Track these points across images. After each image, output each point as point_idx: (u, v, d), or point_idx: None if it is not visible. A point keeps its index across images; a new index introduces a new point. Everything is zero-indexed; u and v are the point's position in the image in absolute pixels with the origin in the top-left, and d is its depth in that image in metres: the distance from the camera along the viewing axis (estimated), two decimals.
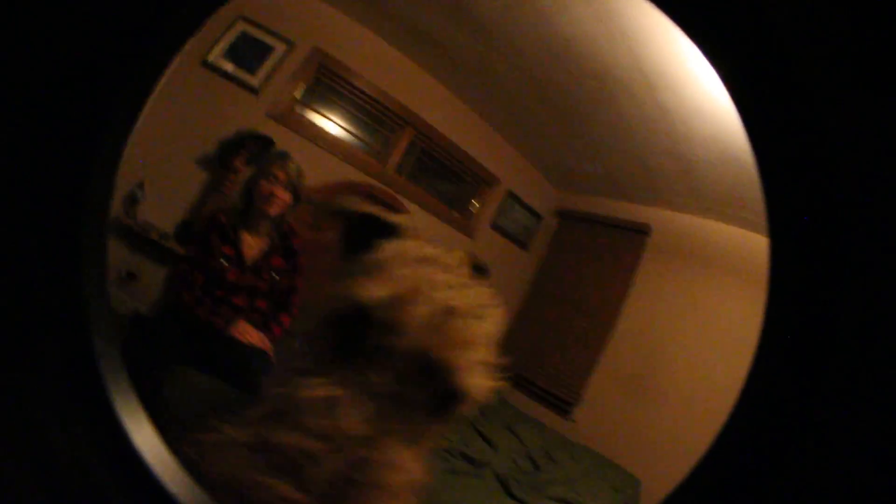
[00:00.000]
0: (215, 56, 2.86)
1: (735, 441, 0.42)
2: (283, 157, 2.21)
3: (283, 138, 3.02)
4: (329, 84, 3.27)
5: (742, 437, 0.41)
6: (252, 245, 2.13)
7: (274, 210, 2.10)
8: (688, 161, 3.19)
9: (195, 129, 2.90)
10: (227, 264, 2.06)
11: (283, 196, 2.10)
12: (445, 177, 3.91)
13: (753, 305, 2.95)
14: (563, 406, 3.89)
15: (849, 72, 0.35)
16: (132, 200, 2.81)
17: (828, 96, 0.36)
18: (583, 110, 3.30)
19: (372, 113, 3.46)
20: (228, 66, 2.90)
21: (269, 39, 2.97)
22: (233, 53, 2.90)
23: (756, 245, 3.34)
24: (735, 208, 3.36)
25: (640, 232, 3.84)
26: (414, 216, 3.60)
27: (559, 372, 4.00)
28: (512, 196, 4.13)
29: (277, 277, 2.16)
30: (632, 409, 3.55)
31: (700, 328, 3.37)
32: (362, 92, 3.35)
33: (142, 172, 2.80)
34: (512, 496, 2.27)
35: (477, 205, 4.05)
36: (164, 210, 2.91)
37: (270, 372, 2.05)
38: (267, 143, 2.90)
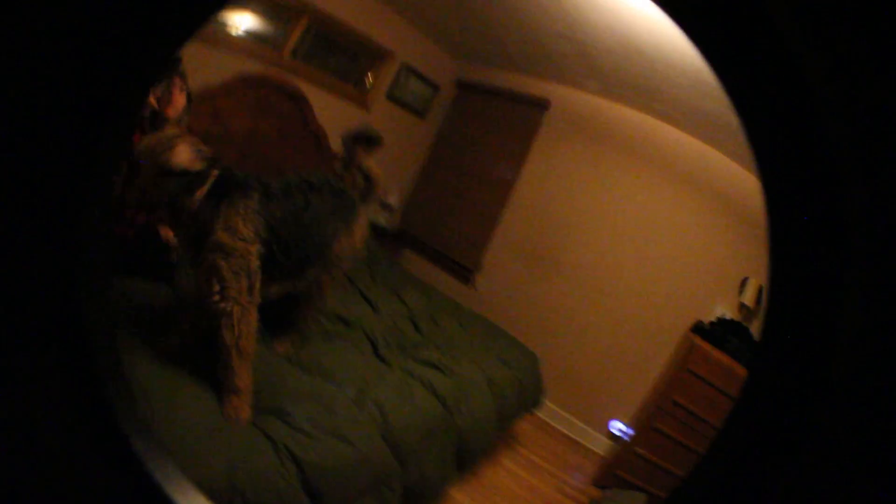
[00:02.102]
0: None
1: (737, 437, 0.42)
2: (179, 69, 2.33)
3: (189, 52, 3.02)
4: None
5: (743, 435, 0.41)
6: None
7: (172, 112, 2.23)
8: (584, 45, 3.14)
9: None
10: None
11: (179, 98, 2.23)
12: (340, 55, 3.91)
13: (657, 190, 3.13)
14: (464, 273, 4.02)
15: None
16: None
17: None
18: None
19: (268, 9, 3.46)
20: None
21: None
22: None
23: (662, 134, 3.39)
24: (642, 97, 3.33)
25: (539, 106, 3.85)
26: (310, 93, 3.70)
27: (459, 238, 4.12)
28: (407, 68, 4.15)
29: None
30: (531, 281, 3.67)
31: (598, 205, 3.44)
32: None
33: None
34: (378, 356, 2.35)
35: (371, 78, 4.07)
36: None
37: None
38: (174, 59, 2.95)
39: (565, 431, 3.43)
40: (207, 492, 1.37)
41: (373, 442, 1.85)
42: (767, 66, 0.37)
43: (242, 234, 1.69)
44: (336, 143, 3.92)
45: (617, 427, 3.35)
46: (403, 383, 2.17)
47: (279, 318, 2.22)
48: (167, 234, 2.34)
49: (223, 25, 3.29)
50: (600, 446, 3.41)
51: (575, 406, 3.39)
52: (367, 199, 2.30)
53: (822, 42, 0.34)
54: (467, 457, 2.31)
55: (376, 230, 4.10)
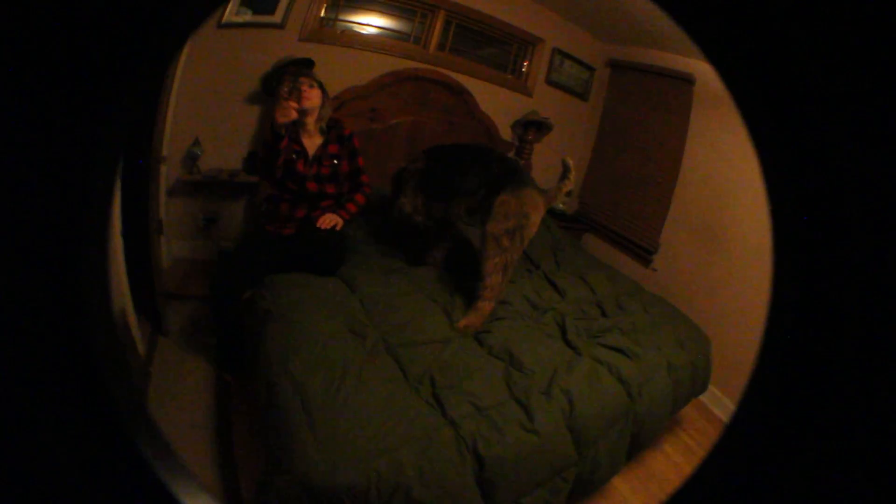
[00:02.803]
0: (229, 15, 2.86)
1: (741, 441, 0.41)
2: (300, 72, 2.50)
3: (321, 54, 3.11)
4: None
5: (747, 437, 0.41)
6: (309, 144, 2.49)
7: (306, 102, 2.39)
8: None
9: (237, 77, 3.03)
10: (295, 157, 2.42)
11: (310, 90, 2.41)
12: (489, 45, 3.94)
13: None
14: (643, 254, 3.97)
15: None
16: (192, 158, 3.02)
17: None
18: None
19: (400, 6, 3.49)
20: (247, 17, 2.93)
21: None
22: (246, 4, 2.93)
23: None
24: None
25: (686, 81, 3.69)
26: (468, 84, 3.77)
27: (636, 219, 4.08)
28: (560, 52, 4.12)
29: (336, 162, 2.52)
30: (705, 259, 3.56)
31: (753, 176, 3.16)
32: None
33: (196, 129, 3.00)
34: (567, 342, 2.37)
35: (528, 65, 4.08)
36: (227, 153, 3.14)
37: (347, 247, 2.54)
38: (307, 62, 3.01)
39: (720, 415, 3.28)
40: (365, 487, 1.42)
41: (558, 431, 1.86)
42: (771, 66, 0.36)
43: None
44: (506, 131, 3.98)
45: None
46: (592, 371, 2.15)
47: (460, 286, 2.58)
48: (332, 220, 2.48)
49: (352, 25, 3.36)
50: None
51: (732, 387, 3.23)
52: (560, 183, 2.71)
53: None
54: (639, 444, 2.27)
55: (556, 215, 4.22)
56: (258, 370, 1.92)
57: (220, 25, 2.86)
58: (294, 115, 2.30)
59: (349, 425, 1.58)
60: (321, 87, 2.45)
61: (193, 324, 2.77)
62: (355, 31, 3.39)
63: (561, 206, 4.43)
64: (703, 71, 3.58)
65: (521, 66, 4.09)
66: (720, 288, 3.44)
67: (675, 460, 2.74)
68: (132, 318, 2.22)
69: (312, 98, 2.41)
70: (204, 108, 2.98)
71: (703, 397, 3.01)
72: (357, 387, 1.75)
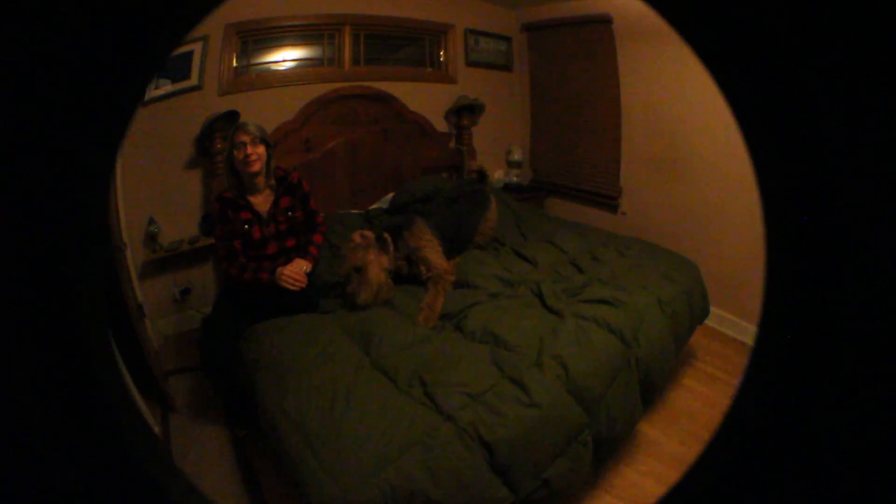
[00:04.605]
0: (150, 91, 2.88)
1: (730, 442, 0.42)
2: (238, 125, 2.38)
3: (244, 103, 3.14)
4: (256, 40, 3.31)
5: (737, 438, 0.41)
6: (261, 202, 2.42)
7: (256, 166, 2.33)
8: None
9: (173, 147, 3.07)
10: (248, 227, 2.37)
11: (256, 150, 2.33)
12: (402, 46, 3.97)
13: None
14: (609, 201, 3.97)
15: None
16: (152, 237, 3.03)
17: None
18: None
19: (306, 35, 3.53)
20: (165, 88, 2.96)
21: (183, 48, 2.97)
22: (163, 76, 2.95)
23: None
24: None
25: (603, 22, 3.69)
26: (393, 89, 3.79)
27: (592, 170, 4.08)
28: (472, 31, 4.15)
29: (291, 214, 2.46)
30: (669, 188, 3.53)
31: (695, 95, 3.19)
32: (285, 27, 3.40)
33: (148, 209, 3.02)
34: (547, 308, 2.32)
35: (444, 53, 4.11)
36: (182, 221, 3.16)
37: (315, 288, 2.50)
38: (232, 114, 3.01)
39: (732, 334, 3.25)
40: (382, 501, 1.41)
41: (559, 398, 1.82)
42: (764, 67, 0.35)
43: (430, 237, 2.71)
44: (441, 123, 4.05)
45: None
46: (578, 329, 2.10)
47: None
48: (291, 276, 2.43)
49: (267, 65, 3.38)
50: None
51: (736, 305, 3.21)
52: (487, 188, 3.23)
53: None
54: (652, 387, 2.22)
55: (513, 188, 4.29)
56: (261, 417, 1.92)
57: (145, 104, 2.86)
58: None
59: (351, 445, 1.57)
60: (263, 140, 2.37)
61: (197, 393, 2.78)
62: (271, 71, 3.42)
63: (515, 179, 4.47)
64: (617, 7, 3.58)
65: (438, 56, 4.11)
66: (692, 211, 3.42)
67: (699, 391, 2.72)
68: (140, 401, 2.23)
69: (261, 156, 2.35)
70: (149, 187, 3.00)
71: (709, 321, 2.98)
72: (349, 406, 1.73)
